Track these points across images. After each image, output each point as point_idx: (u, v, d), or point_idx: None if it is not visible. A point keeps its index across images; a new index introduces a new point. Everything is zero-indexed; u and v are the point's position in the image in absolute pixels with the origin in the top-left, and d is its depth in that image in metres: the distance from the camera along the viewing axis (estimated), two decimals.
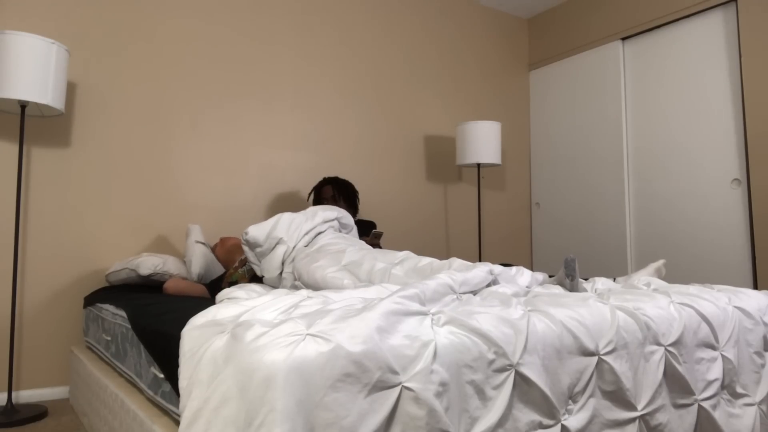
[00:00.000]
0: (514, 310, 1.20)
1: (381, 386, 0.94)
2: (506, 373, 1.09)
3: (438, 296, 1.25)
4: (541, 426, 1.12)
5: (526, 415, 1.11)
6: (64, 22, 2.68)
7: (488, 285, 1.50)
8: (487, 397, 1.06)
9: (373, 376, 0.93)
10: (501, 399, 1.07)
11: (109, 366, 2.04)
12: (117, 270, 2.51)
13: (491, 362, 1.08)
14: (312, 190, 3.06)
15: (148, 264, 2.43)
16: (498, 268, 1.59)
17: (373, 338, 0.96)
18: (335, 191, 2.96)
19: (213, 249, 2.67)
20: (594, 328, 1.25)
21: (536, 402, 1.12)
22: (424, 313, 1.12)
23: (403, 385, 0.96)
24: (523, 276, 1.70)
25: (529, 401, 1.11)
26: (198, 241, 2.56)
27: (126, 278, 2.49)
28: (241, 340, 0.95)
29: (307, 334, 0.94)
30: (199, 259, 2.47)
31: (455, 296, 1.32)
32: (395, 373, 0.96)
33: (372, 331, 0.97)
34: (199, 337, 1.06)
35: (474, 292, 1.41)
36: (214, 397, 0.93)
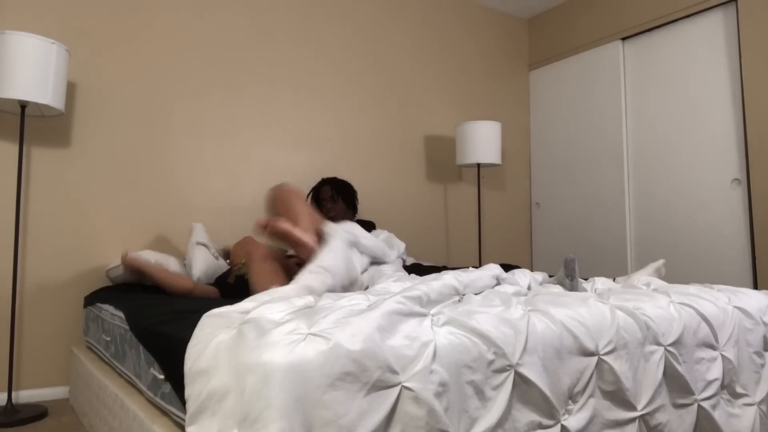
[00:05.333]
0: (515, 309, 1.20)
1: (380, 386, 0.94)
2: (506, 374, 1.09)
3: (443, 297, 1.25)
4: (541, 426, 1.13)
5: (525, 416, 1.11)
6: (64, 22, 2.68)
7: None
8: (487, 398, 1.06)
9: (372, 376, 0.94)
10: (500, 399, 1.07)
11: (109, 366, 2.04)
12: (116, 266, 2.50)
13: (491, 362, 1.08)
14: (311, 191, 3.05)
15: (146, 258, 2.41)
16: (503, 274, 1.60)
17: (373, 338, 0.97)
18: (334, 191, 2.95)
19: (231, 247, 2.61)
20: (594, 328, 1.25)
21: (536, 402, 1.12)
22: (425, 314, 1.12)
23: (402, 385, 0.96)
24: (525, 276, 1.72)
25: (528, 401, 1.12)
26: (199, 242, 2.54)
27: (122, 274, 2.48)
28: (244, 336, 0.96)
29: (308, 334, 0.95)
30: (199, 262, 2.44)
31: (458, 297, 1.33)
32: (395, 372, 0.96)
33: (372, 331, 0.98)
34: (209, 326, 1.07)
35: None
36: (214, 389, 0.93)
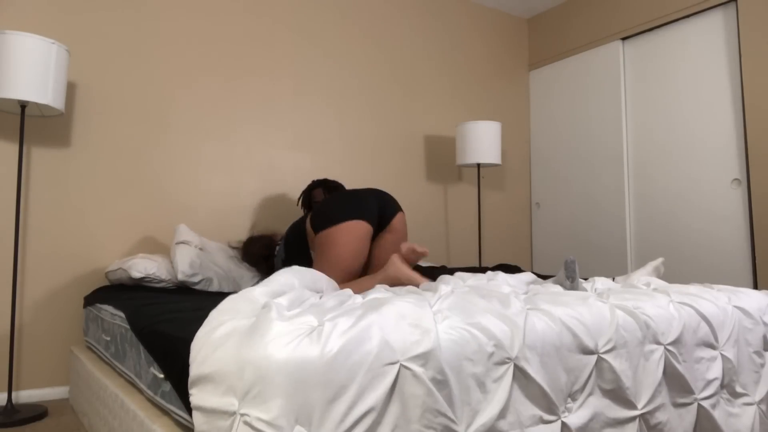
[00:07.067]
0: (512, 306, 1.22)
1: (381, 363, 0.98)
2: (505, 366, 1.11)
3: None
4: (542, 421, 1.14)
5: (528, 409, 1.13)
6: (64, 22, 2.69)
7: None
8: (488, 390, 1.08)
9: (370, 355, 0.98)
10: (501, 392, 1.09)
11: (109, 366, 2.04)
12: (114, 269, 2.50)
13: (491, 355, 1.10)
14: (301, 195, 2.96)
15: (140, 267, 2.40)
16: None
17: (375, 322, 1.02)
18: (326, 193, 2.90)
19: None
20: (593, 327, 1.25)
21: (536, 397, 1.14)
22: (428, 307, 1.14)
23: (401, 363, 1.00)
24: (512, 277, 1.76)
25: (529, 395, 1.14)
26: (178, 242, 2.53)
27: (120, 278, 2.48)
28: (258, 324, 1.00)
29: (318, 326, 1.00)
30: (180, 261, 2.43)
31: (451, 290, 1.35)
32: (394, 352, 1.00)
33: (374, 317, 1.03)
34: (233, 308, 1.11)
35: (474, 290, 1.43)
36: (220, 361, 0.97)
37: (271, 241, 2.65)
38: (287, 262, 2.39)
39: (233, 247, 2.83)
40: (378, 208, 2.17)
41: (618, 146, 3.72)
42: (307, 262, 2.32)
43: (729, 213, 3.13)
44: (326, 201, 2.19)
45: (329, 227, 2.05)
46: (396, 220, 2.24)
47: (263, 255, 2.62)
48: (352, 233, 2.03)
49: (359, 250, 2.04)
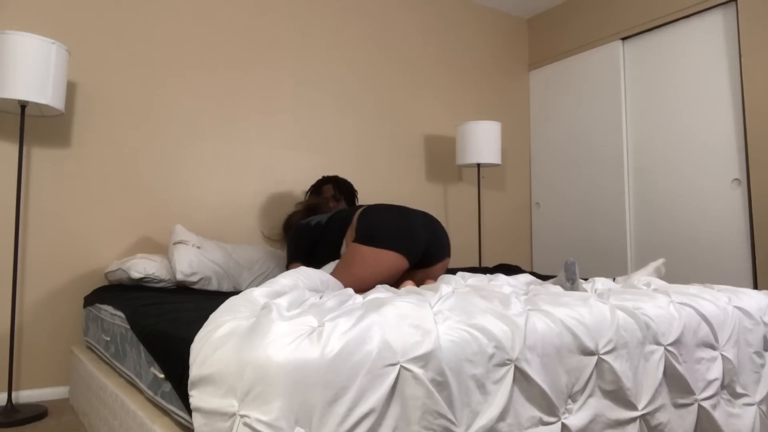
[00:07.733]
0: (513, 307, 1.22)
1: (381, 365, 0.98)
2: (506, 368, 1.10)
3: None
4: (542, 422, 1.13)
5: (527, 411, 1.12)
6: (64, 22, 2.68)
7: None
8: (488, 392, 1.08)
9: (371, 356, 0.98)
10: (501, 393, 1.09)
11: (109, 366, 2.04)
12: (113, 270, 2.50)
13: (491, 357, 1.09)
14: (309, 189, 3.00)
15: (140, 267, 2.40)
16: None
17: (375, 321, 1.03)
18: (336, 190, 2.92)
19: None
20: (594, 328, 1.25)
21: (536, 399, 1.14)
22: (429, 308, 1.14)
23: (401, 365, 1.00)
24: (513, 278, 1.76)
25: (529, 397, 1.13)
26: (176, 242, 2.53)
27: (120, 278, 2.48)
28: (258, 325, 1.00)
29: (317, 327, 1.00)
30: (180, 260, 2.43)
31: (453, 290, 1.35)
32: (395, 353, 1.00)
33: (375, 319, 1.03)
34: (234, 308, 1.12)
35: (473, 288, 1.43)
36: (219, 362, 0.97)
37: (326, 209, 2.66)
38: (322, 229, 2.27)
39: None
40: (425, 247, 2.04)
41: (618, 146, 3.72)
42: (337, 249, 2.24)
43: (729, 213, 3.13)
44: (382, 213, 2.04)
45: (369, 245, 1.93)
46: (438, 267, 2.11)
47: (315, 206, 2.62)
48: (387, 264, 1.92)
49: (384, 281, 1.95)
